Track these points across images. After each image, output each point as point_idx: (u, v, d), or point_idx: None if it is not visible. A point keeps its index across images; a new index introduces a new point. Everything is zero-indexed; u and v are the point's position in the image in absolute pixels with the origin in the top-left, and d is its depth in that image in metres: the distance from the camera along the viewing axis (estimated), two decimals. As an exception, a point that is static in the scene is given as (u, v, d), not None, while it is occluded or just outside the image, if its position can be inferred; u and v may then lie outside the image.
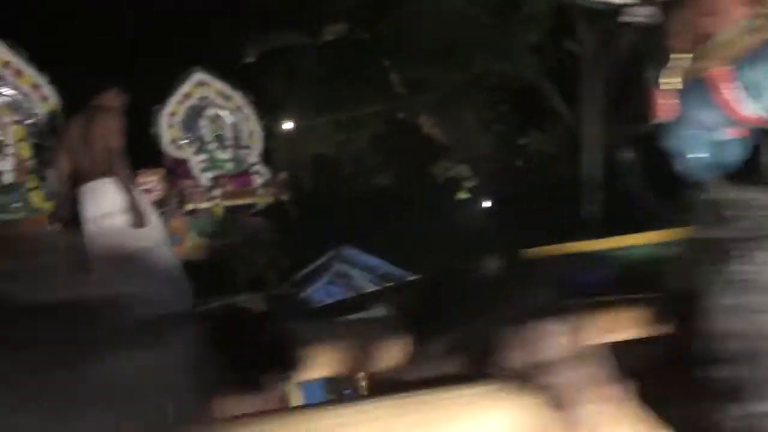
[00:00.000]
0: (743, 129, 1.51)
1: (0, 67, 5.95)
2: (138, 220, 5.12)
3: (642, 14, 1.56)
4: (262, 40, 12.24)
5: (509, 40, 9.63)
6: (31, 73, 6.05)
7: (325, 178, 14.29)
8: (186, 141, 6.84)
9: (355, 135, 11.08)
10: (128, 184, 5.14)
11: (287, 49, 12.27)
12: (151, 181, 6.63)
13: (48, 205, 5.76)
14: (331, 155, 11.70)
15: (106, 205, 5.10)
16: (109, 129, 5.09)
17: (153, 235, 5.18)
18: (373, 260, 20.34)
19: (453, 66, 10.00)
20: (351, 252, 19.84)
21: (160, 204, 6.47)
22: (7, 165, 5.74)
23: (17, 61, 6.01)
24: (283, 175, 7.13)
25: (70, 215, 5.27)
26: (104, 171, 5.08)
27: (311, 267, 19.15)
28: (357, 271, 19.90)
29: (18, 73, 6.01)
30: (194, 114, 6.94)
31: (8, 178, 5.70)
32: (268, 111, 7.80)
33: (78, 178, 5.16)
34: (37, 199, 5.74)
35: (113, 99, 5.31)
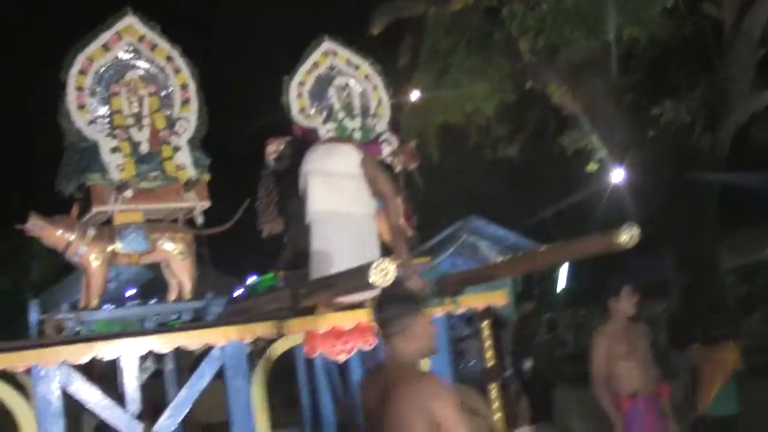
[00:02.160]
0: None
1: (135, 40, 6.09)
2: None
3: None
4: (392, 9, 12.21)
5: (643, 4, 9.25)
6: (164, 46, 6.18)
7: (453, 148, 14.18)
8: (314, 110, 6.85)
9: (482, 104, 10.91)
10: None
11: (416, 17, 12.21)
12: (279, 150, 6.69)
13: (182, 175, 5.90)
14: (459, 125, 11.58)
15: (341, 164, 5.48)
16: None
17: None
18: (501, 231, 20.28)
19: (584, 32, 9.69)
20: (479, 222, 19.84)
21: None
22: (144, 136, 5.88)
23: (152, 34, 6.14)
24: (411, 144, 7.06)
25: None
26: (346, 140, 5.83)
27: (439, 237, 19.23)
28: (485, 242, 19.87)
29: (152, 46, 6.14)
30: (322, 83, 6.95)
31: (144, 148, 5.84)
32: (396, 80, 7.72)
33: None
34: (171, 168, 5.87)
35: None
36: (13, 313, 20.41)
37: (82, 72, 5.83)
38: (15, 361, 4.03)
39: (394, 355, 3.69)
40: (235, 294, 7.10)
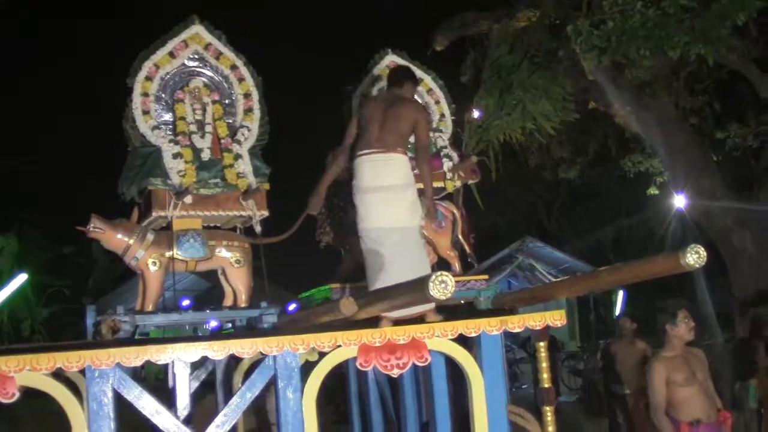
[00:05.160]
0: None
1: (201, 48, 6.14)
2: (431, 210, 5.49)
3: None
4: (455, 25, 12.19)
5: (713, 22, 9.02)
6: (229, 54, 6.22)
7: (513, 167, 14.04)
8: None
9: (544, 123, 10.78)
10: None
11: (479, 35, 12.17)
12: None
13: (242, 183, 5.90)
14: (520, 144, 11.46)
15: (386, 177, 5.45)
16: (409, 115, 5.59)
17: None
18: (557, 253, 20.08)
19: (650, 50, 9.51)
20: (535, 245, 19.67)
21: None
22: (206, 143, 5.90)
23: (217, 42, 6.18)
24: (473, 159, 6.99)
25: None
26: (395, 147, 5.53)
27: (495, 258, 19.10)
28: (541, 265, 19.69)
29: (218, 54, 6.18)
30: (385, 95, 6.92)
31: (206, 155, 5.86)
32: (458, 95, 7.66)
33: (362, 148, 5.59)
34: (231, 176, 5.88)
35: (412, 90, 5.93)
36: (71, 317, 20.94)
37: (149, 78, 5.90)
38: (70, 360, 4.05)
39: None
40: (290, 307, 7.08)
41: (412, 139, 5.72)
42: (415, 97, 6.15)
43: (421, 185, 5.66)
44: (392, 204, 5.42)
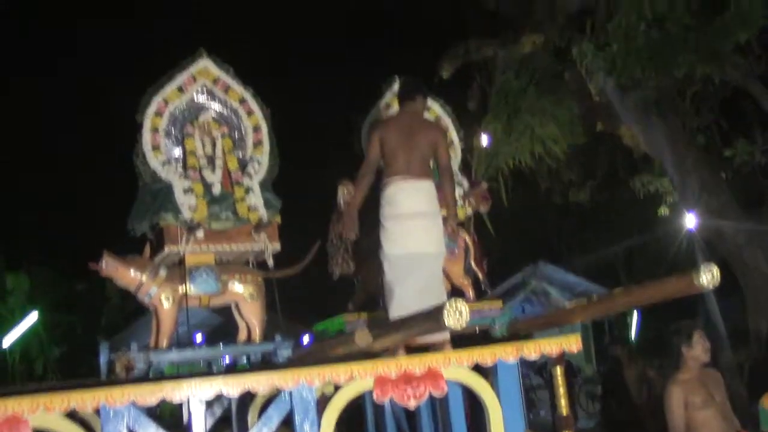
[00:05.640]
0: None
1: (210, 82, 6.15)
2: (454, 230, 5.49)
3: None
4: (461, 52, 12.23)
5: (716, 40, 9.04)
6: (237, 88, 6.23)
7: (523, 192, 14.02)
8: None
9: (553, 146, 10.79)
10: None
11: (485, 59, 12.19)
12: (350, 192, 6.66)
13: (253, 216, 5.88)
14: (529, 168, 11.46)
15: (422, 204, 5.40)
16: (427, 139, 5.58)
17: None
18: (570, 277, 19.95)
19: (655, 71, 9.53)
20: (548, 268, 19.54)
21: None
22: (217, 177, 5.90)
23: (225, 76, 6.20)
24: (483, 186, 6.98)
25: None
26: (425, 175, 5.52)
27: (508, 283, 18.99)
28: (554, 288, 19.54)
29: (226, 88, 6.20)
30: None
31: (217, 189, 5.85)
32: (466, 122, 7.67)
33: (393, 175, 5.53)
34: (242, 209, 5.87)
35: (423, 103, 5.91)
36: (84, 355, 20.86)
37: (158, 113, 5.91)
38: (84, 400, 4.01)
39: None
40: (304, 339, 7.04)
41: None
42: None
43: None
44: (431, 230, 5.43)
